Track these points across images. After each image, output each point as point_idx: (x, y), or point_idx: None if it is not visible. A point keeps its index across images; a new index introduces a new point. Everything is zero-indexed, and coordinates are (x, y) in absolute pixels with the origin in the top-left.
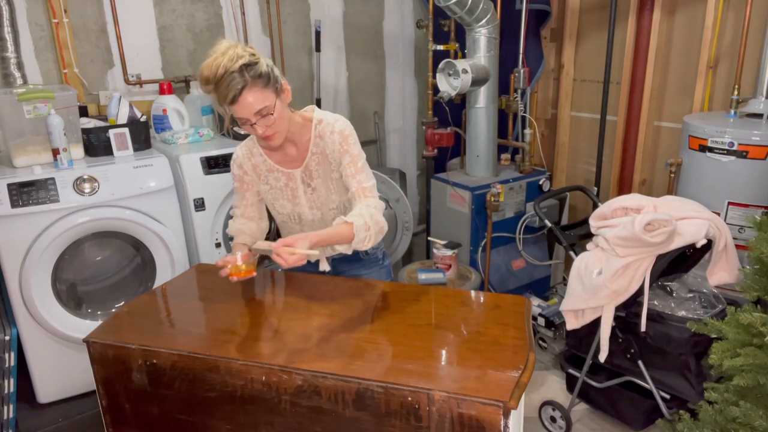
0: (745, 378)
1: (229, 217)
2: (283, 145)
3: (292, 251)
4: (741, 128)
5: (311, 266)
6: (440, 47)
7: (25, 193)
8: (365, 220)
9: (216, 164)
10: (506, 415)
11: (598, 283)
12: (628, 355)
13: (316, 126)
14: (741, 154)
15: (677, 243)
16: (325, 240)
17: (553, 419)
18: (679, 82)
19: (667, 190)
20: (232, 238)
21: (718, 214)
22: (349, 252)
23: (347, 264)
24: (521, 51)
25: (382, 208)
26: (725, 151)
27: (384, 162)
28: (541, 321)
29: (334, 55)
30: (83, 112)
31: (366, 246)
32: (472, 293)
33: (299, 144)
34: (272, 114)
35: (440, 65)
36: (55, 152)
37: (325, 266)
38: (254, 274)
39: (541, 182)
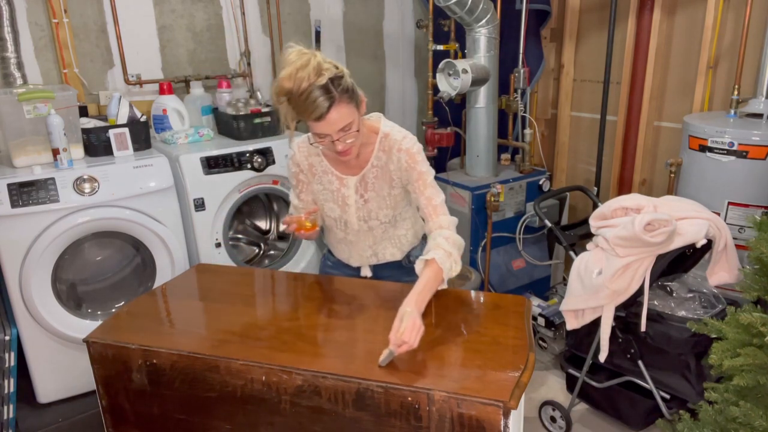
0: (745, 378)
1: (230, 217)
2: None
3: (410, 331)
4: (741, 128)
5: (352, 271)
6: (440, 47)
7: (25, 193)
8: (443, 248)
9: (216, 164)
10: (506, 415)
11: (598, 283)
12: (628, 355)
13: (382, 140)
14: (741, 154)
15: (677, 243)
16: (425, 295)
17: (553, 419)
18: (679, 82)
19: (667, 190)
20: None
21: (718, 214)
22: (398, 257)
23: (388, 270)
24: (521, 51)
25: (455, 223)
26: (725, 151)
27: None
28: (541, 321)
29: (334, 55)
30: (83, 112)
31: (458, 270)
32: (472, 293)
33: (361, 154)
34: (356, 130)
35: (440, 65)
36: (55, 152)
37: (367, 272)
38: (318, 229)
39: (541, 182)
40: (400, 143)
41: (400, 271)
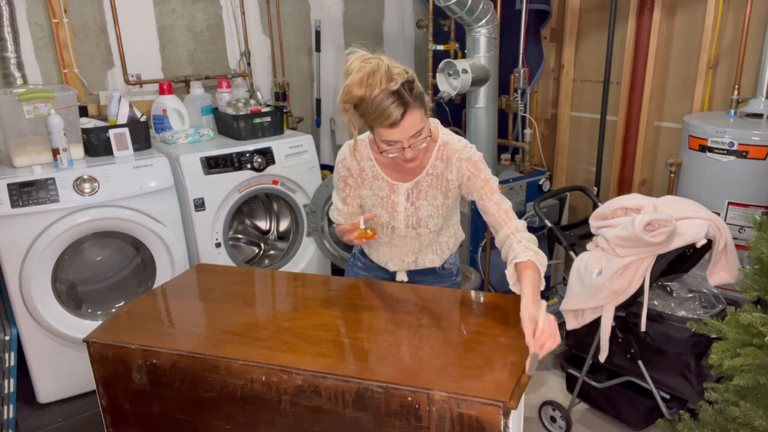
0: (745, 378)
1: (230, 217)
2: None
3: (541, 331)
4: (741, 128)
5: (386, 275)
6: (440, 47)
7: (25, 193)
8: (532, 249)
9: (216, 164)
10: (506, 415)
11: (598, 283)
12: (628, 355)
13: (440, 147)
14: (741, 154)
15: (677, 243)
16: (537, 296)
17: (553, 419)
18: (679, 82)
19: (667, 190)
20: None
21: (718, 214)
22: (437, 263)
23: (421, 275)
24: (521, 51)
25: (525, 227)
26: (725, 151)
27: None
28: None
29: (334, 55)
30: (83, 112)
31: (543, 268)
32: (472, 293)
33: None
34: (427, 136)
35: (440, 65)
36: (55, 152)
37: (403, 277)
38: (376, 236)
39: (541, 182)
40: (460, 152)
41: (434, 277)
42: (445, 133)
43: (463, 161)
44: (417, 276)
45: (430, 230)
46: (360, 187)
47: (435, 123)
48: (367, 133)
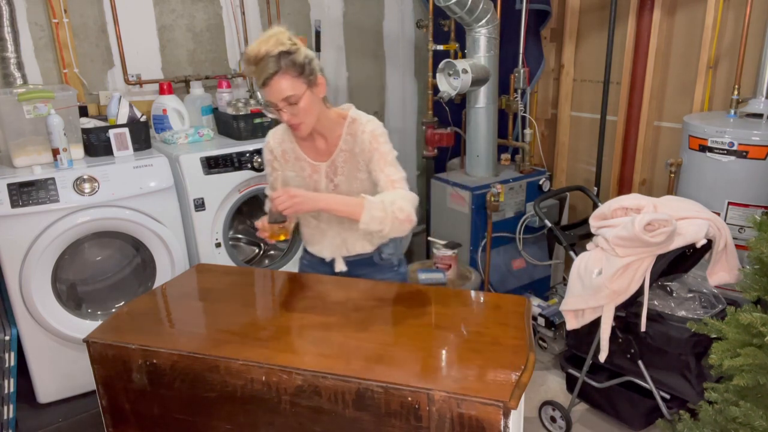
0: (745, 378)
1: (230, 217)
2: (314, 137)
3: (295, 193)
4: (741, 128)
5: (327, 268)
6: (440, 47)
7: (25, 193)
8: (383, 198)
9: (216, 164)
10: (506, 415)
11: (598, 283)
12: (628, 355)
13: (349, 124)
14: (741, 154)
15: (677, 243)
16: (333, 204)
17: (553, 419)
18: (679, 82)
19: (667, 190)
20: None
21: (718, 214)
22: (368, 249)
23: (362, 267)
24: (521, 51)
25: (413, 199)
26: (725, 151)
27: None
28: (541, 321)
29: (334, 55)
30: (83, 112)
31: (382, 228)
32: (472, 293)
33: (330, 139)
34: (299, 104)
35: (440, 65)
36: (55, 152)
37: (341, 266)
38: (289, 237)
39: (541, 182)
40: (364, 125)
41: (374, 269)
42: (355, 112)
43: (366, 134)
44: (356, 268)
45: None
46: (284, 168)
47: (348, 105)
48: None
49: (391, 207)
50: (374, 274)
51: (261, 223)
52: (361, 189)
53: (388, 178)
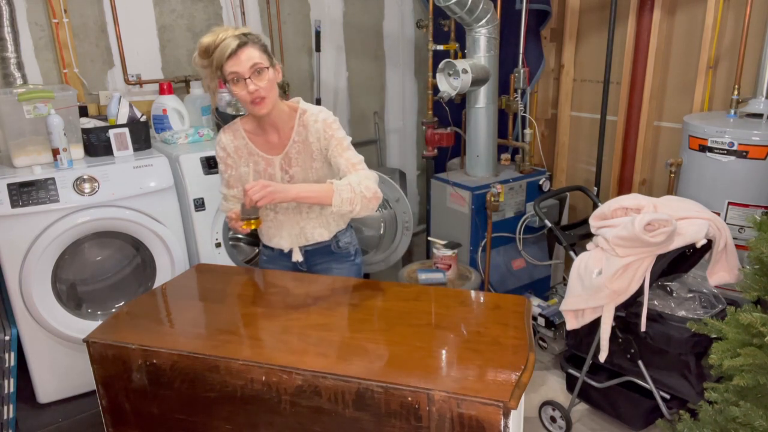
0: (745, 378)
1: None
2: (267, 130)
3: (268, 183)
4: (741, 128)
5: (286, 261)
6: (440, 47)
7: (25, 193)
8: (350, 181)
9: (216, 164)
10: (506, 415)
11: (598, 283)
12: (628, 355)
13: (301, 116)
14: (741, 154)
15: (677, 243)
16: (304, 192)
17: (553, 419)
18: (679, 82)
19: (667, 190)
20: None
21: (718, 214)
22: (326, 237)
23: (319, 257)
24: (521, 51)
25: (375, 178)
26: (725, 151)
27: (384, 162)
28: (541, 321)
29: (334, 55)
30: (83, 112)
31: (353, 209)
32: (472, 293)
33: (282, 132)
34: (267, 70)
35: (440, 65)
36: (55, 152)
37: (297, 256)
38: (259, 226)
39: (541, 182)
40: (316, 115)
41: (331, 257)
42: (305, 104)
43: (319, 122)
44: (315, 258)
45: None
46: (239, 165)
47: (298, 99)
48: (241, 116)
49: (358, 187)
50: (331, 263)
51: (234, 214)
52: (316, 178)
53: (348, 161)
